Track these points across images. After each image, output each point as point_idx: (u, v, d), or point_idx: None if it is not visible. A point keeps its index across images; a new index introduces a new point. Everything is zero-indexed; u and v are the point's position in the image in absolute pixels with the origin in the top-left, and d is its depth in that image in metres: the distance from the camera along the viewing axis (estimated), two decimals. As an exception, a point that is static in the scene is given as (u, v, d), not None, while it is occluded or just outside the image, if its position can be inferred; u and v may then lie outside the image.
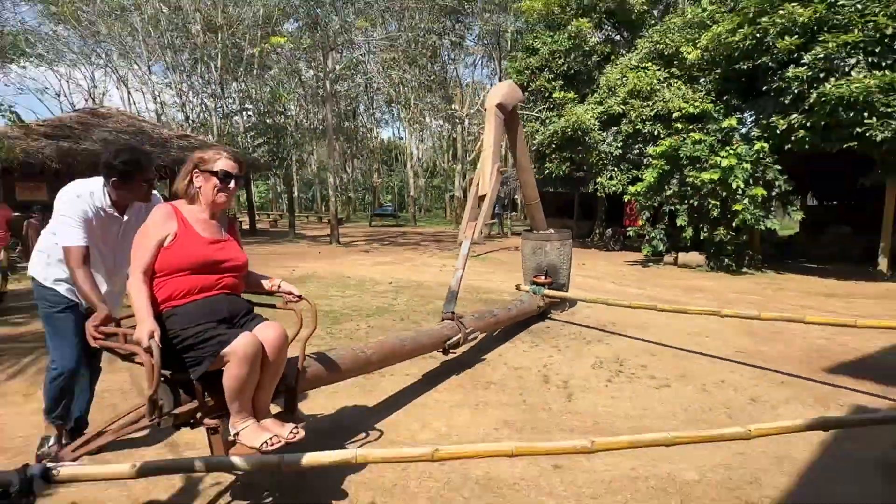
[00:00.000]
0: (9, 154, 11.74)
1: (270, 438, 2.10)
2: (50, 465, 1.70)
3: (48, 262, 2.61)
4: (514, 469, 2.74)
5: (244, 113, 26.55)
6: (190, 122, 26.58)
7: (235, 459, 1.97)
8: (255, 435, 2.10)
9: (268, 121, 24.38)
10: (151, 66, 28.01)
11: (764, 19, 10.51)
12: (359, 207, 44.91)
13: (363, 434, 3.14)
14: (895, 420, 2.06)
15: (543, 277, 6.19)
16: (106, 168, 2.48)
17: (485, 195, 5.40)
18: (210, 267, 2.20)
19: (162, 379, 2.15)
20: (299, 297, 2.48)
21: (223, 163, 2.26)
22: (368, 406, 3.58)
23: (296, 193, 42.13)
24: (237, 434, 2.11)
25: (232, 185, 2.29)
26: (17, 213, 9.97)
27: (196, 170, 2.26)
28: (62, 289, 2.60)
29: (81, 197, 2.46)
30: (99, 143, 15.28)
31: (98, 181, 2.55)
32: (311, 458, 2.01)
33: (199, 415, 2.17)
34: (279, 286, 2.50)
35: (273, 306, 2.57)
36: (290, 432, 2.19)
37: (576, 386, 4.00)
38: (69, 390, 2.68)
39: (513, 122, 6.17)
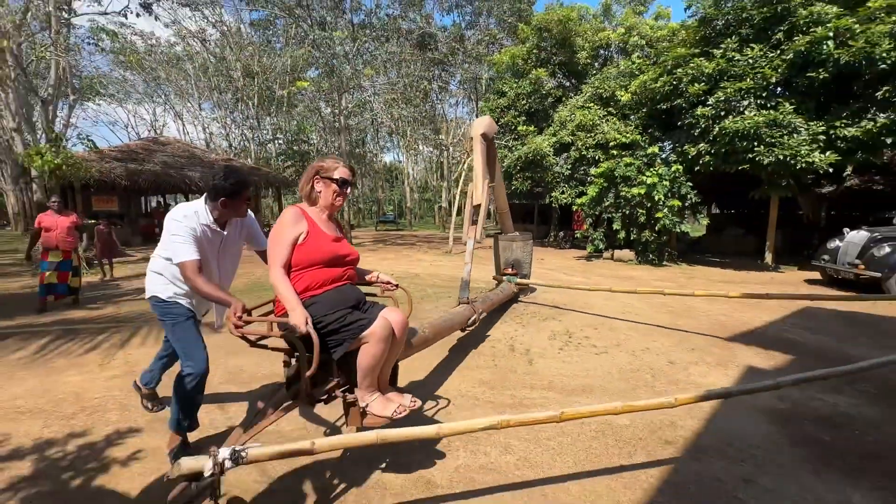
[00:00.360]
0: (86, 173, 11.47)
1: (398, 408, 1.94)
2: (238, 447, 1.51)
3: (166, 281, 2.29)
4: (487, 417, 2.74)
5: (276, 141, 26.20)
6: (232, 148, 26.17)
7: (405, 431, 1.78)
8: (384, 406, 1.94)
9: (294, 148, 24.07)
10: (201, 104, 27.57)
11: (679, 70, 10.62)
12: (367, 216, 44.65)
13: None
14: (754, 392, 1.99)
15: (511, 270, 6.21)
16: (216, 189, 2.16)
17: (479, 204, 5.36)
18: (337, 261, 2.03)
19: (292, 360, 1.96)
20: (396, 286, 2.32)
21: (341, 171, 2.06)
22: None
23: (317, 205, 41.72)
24: (367, 406, 1.94)
25: (348, 190, 2.11)
26: (92, 220, 9.74)
27: (317, 176, 2.04)
28: (184, 302, 2.30)
29: (188, 217, 2.13)
30: (159, 164, 15.01)
31: (199, 202, 2.22)
32: (465, 425, 1.85)
33: (334, 391, 2.01)
34: (378, 277, 2.31)
35: (374, 295, 2.43)
36: (411, 401, 2.02)
37: (535, 353, 4.02)
38: (201, 394, 2.32)
39: (490, 148, 6.16)
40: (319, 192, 2.07)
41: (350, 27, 21.03)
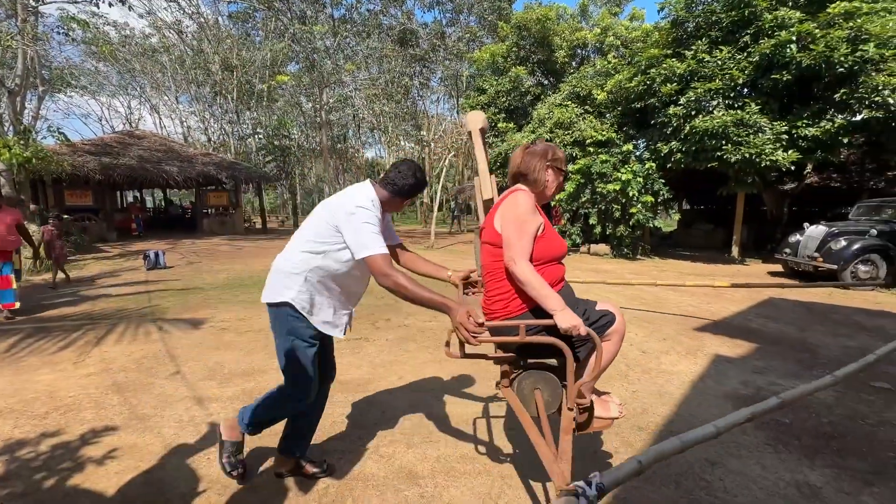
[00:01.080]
0: (58, 167, 10.98)
1: (619, 407, 1.79)
2: (597, 479, 1.29)
3: (306, 288, 1.82)
4: (467, 408, 2.75)
5: (255, 136, 25.61)
6: (211, 142, 25.46)
7: (728, 419, 1.57)
8: (604, 407, 1.76)
9: (275, 142, 23.54)
10: (178, 97, 26.69)
11: (652, 70, 10.80)
12: (349, 211, 44.17)
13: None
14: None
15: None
16: (409, 186, 1.89)
17: (490, 199, 5.30)
18: (563, 256, 1.82)
19: (521, 367, 1.72)
20: None
21: (566, 165, 1.89)
22: (361, 366, 3.53)
23: (299, 200, 41.03)
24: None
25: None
26: (66, 216, 9.29)
27: (548, 163, 1.78)
28: (319, 320, 1.87)
29: (373, 205, 1.79)
30: (135, 159, 14.48)
31: (370, 191, 1.84)
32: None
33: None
34: None
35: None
36: (619, 399, 1.87)
37: (514, 345, 4.05)
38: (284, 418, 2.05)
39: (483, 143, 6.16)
40: (548, 181, 1.80)
41: (331, 21, 20.65)
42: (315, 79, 16.16)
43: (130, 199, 22.07)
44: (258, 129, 25.51)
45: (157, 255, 8.42)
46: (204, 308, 5.32)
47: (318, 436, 2.42)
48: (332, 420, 2.59)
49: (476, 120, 6.09)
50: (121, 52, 24.29)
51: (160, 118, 28.51)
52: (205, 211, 17.46)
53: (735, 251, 11.27)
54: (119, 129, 23.23)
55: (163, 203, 24.64)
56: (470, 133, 5.76)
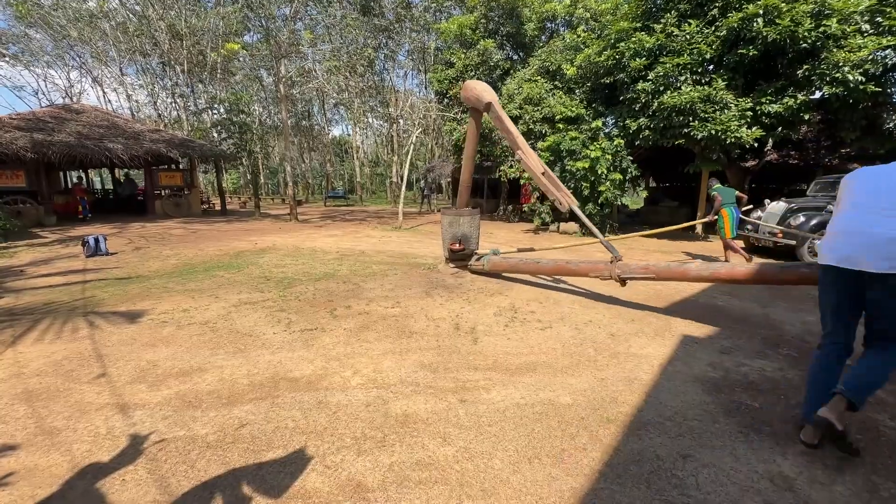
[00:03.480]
0: (-21, 144, 9.86)
1: None
2: None
3: None
4: (426, 405, 2.55)
5: (211, 111, 24.04)
6: (163, 118, 23.79)
7: None
8: None
9: (234, 118, 22.14)
10: (124, 68, 24.64)
11: (621, 45, 10.61)
12: (316, 191, 42.90)
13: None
14: None
15: (458, 245, 6.01)
16: None
17: (544, 171, 4.99)
18: None
19: None
20: None
21: None
22: (314, 360, 3.24)
23: (263, 180, 39.34)
24: None
25: None
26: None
27: None
28: None
29: None
30: (73, 135, 13.24)
31: None
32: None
33: None
34: None
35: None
36: None
37: (481, 331, 3.86)
38: None
39: (478, 118, 5.77)
40: None
41: (288, -13, 19.27)
42: (272, 49, 15.12)
43: (75, 179, 20.44)
44: (214, 104, 23.98)
45: (97, 240, 7.72)
46: (144, 299, 4.86)
47: (249, 447, 2.14)
48: (275, 426, 2.32)
49: (487, 93, 5.64)
50: (54, 17, 22.07)
51: (104, 91, 26.35)
52: (157, 192, 16.35)
53: (699, 228, 11.47)
54: (57, 103, 21.26)
55: (112, 184, 23.00)
56: (489, 105, 5.27)
